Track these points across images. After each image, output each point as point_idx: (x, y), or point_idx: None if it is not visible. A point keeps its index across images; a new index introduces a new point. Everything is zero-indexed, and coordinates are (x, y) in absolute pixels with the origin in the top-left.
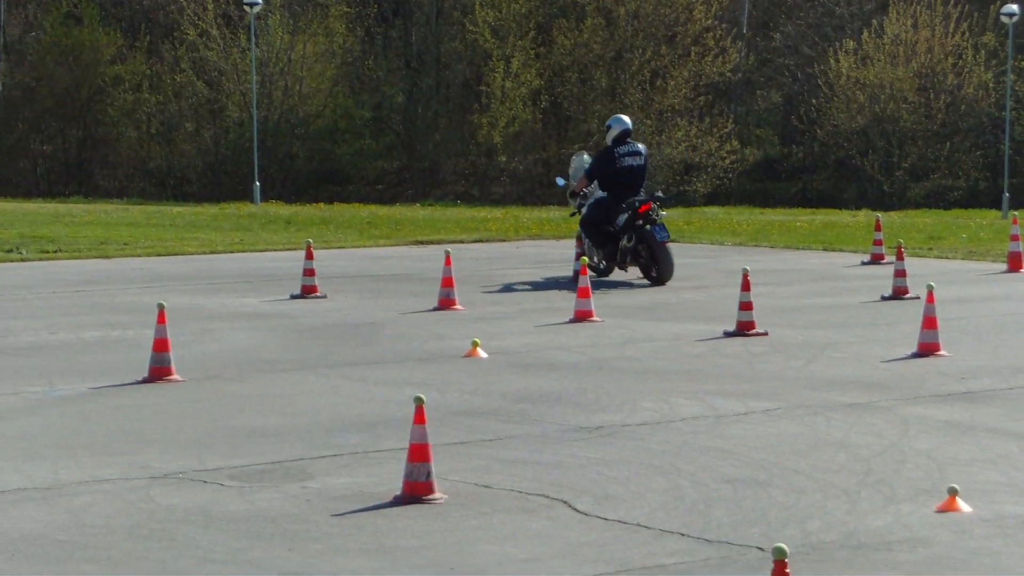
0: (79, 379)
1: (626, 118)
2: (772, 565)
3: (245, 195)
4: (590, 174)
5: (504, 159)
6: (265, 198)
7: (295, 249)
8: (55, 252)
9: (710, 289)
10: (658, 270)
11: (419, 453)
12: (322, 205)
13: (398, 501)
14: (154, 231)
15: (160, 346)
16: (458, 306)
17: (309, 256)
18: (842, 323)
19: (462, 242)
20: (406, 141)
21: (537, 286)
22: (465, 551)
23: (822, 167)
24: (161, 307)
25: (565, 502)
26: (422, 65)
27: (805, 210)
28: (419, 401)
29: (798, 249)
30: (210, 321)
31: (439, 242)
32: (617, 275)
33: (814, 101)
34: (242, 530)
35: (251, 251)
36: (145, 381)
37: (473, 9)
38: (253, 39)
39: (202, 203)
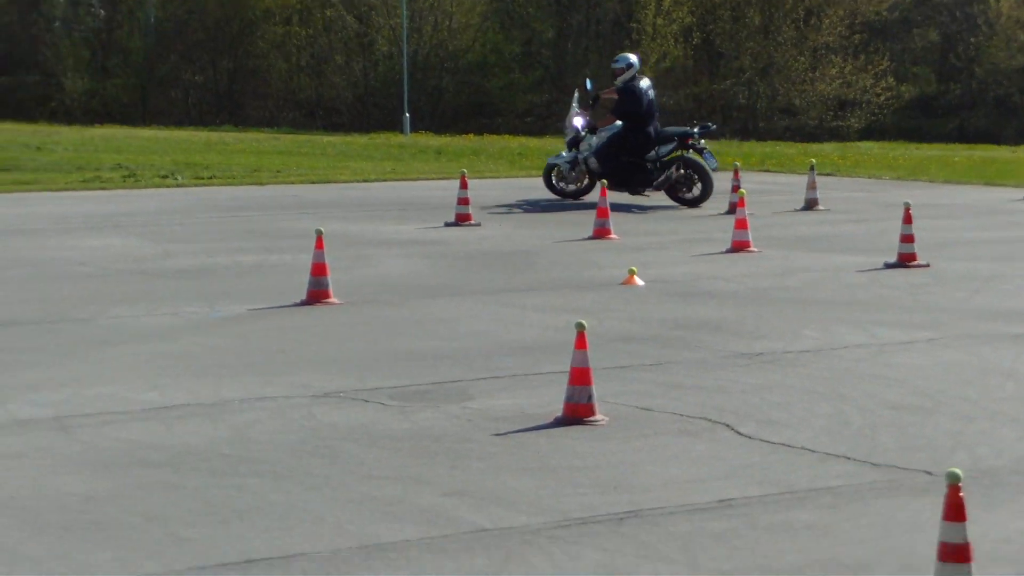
0: (238, 301)
1: (633, 56)
2: (946, 489)
3: (394, 126)
4: (629, 104)
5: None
6: (414, 130)
7: (447, 178)
8: (210, 178)
9: (869, 222)
10: (703, 191)
11: (580, 376)
12: (471, 136)
13: (559, 422)
14: (306, 159)
15: (318, 270)
16: (613, 235)
17: (463, 185)
18: (1007, 256)
19: None
20: (555, 75)
21: (686, 217)
22: (628, 472)
23: (980, 104)
24: (319, 232)
25: (728, 426)
26: (572, 2)
27: (963, 146)
28: (580, 327)
29: (958, 184)
30: (366, 247)
31: None
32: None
33: (972, 40)
34: (404, 448)
35: (403, 180)
36: (303, 304)
37: None
38: None
39: (351, 133)
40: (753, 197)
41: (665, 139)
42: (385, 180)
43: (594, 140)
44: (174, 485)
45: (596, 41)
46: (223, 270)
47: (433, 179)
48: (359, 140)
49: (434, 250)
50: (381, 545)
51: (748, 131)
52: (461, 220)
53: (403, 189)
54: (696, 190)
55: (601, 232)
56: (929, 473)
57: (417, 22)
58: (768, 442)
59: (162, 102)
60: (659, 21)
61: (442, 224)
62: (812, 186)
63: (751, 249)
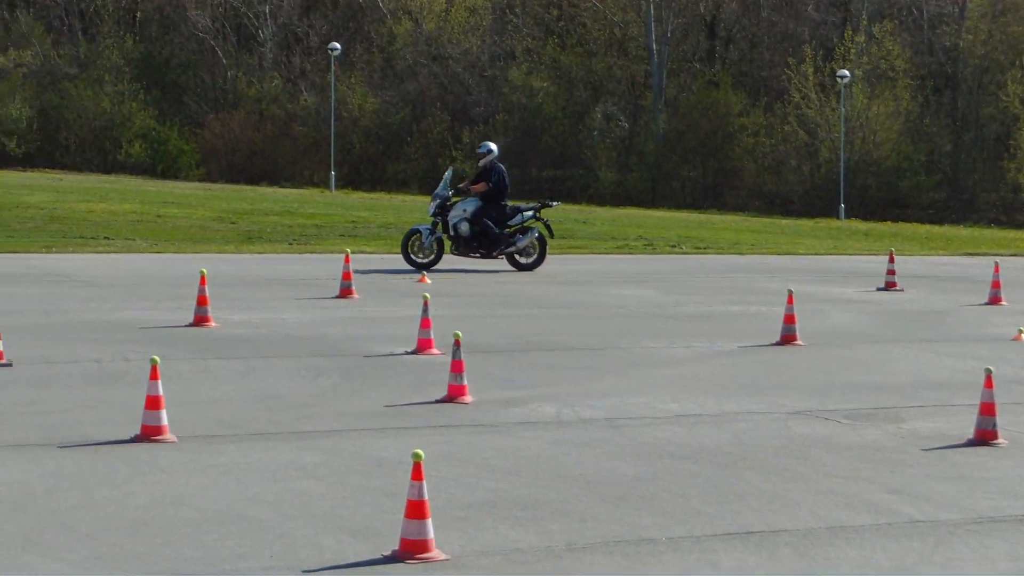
0: (729, 340)
1: (493, 144)
2: None
3: (833, 214)
4: (496, 182)
5: None
6: (847, 216)
7: (874, 254)
8: (704, 248)
9: None
10: (539, 258)
11: (988, 409)
12: (889, 223)
13: (970, 443)
14: (770, 237)
15: (789, 319)
16: (1003, 302)
17: (891, 260)
18: None
19: (999, 254)
20: (951, 179)
21: None
22: None
23: None
24: (790, 292)
25: None
26: (965, 124)
27: None
28: (988, 371)
29: None
30: (818, 303)
31: (984, 254)
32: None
33: None
34: (855, 455)
35: (841, 254)
36: (777, 344)
37: (1005, 84)
38: (842, 102)
39: (801, 218)
40: None
41: (523, 209)
42: (828, 254)
43: (467, 207)
44: (693, 473)
45: (982, 153)
46: (717, 316)
47: (864, 254)
48: (807, 223)
49: (869, 308)
50: (842, 527)
51: None
52: (889, 287)
53: (842, 261)
54: (535, 257)
55: (995, 300)
56: None
57: (850, 136)
58: None
59: (667, 190)
60: None
61: (874, 288)
62: None
63: None
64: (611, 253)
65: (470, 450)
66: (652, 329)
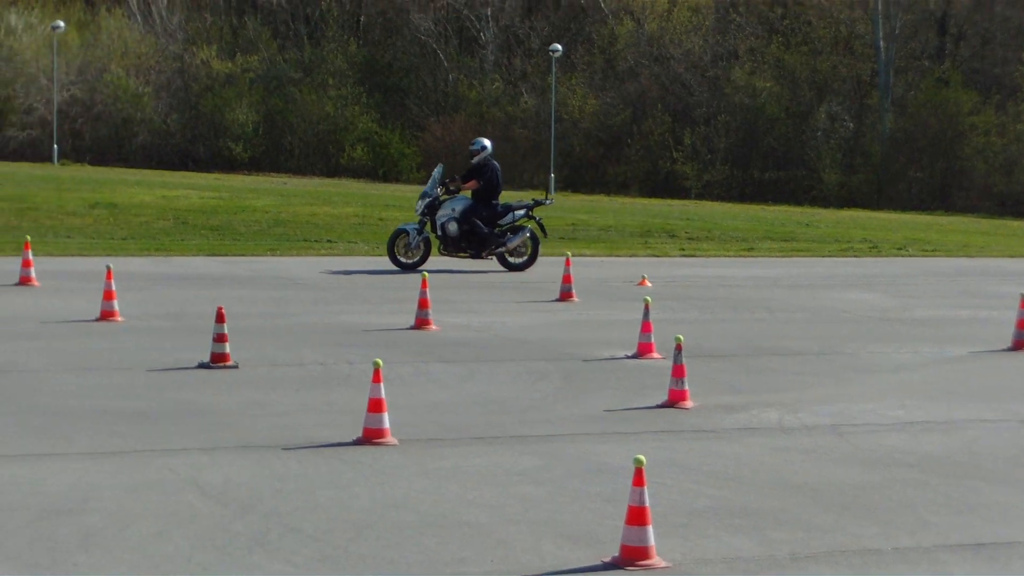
0: (958, 345)
1: (487, 140)
2: None
3: None
4: (488, 180)
5: None
6: None
7: None
8: (932, 251)
9: None
10: (531, 258)
11: None
12: None
13: None
14: (1000, 239)
15: (1021, 325)
16: None
17: None
18: None
19: None
20: None
21: None
22: None
23: None
24: (1023, 295)
25: None
26: None
27: None
28: None
29: None
30: None
31: None
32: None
33: None
34: None
35: None
36: (1008, 350)
37: None
38: None
39: None
40: None
41: (515, 207)
42: None
43: (455, 206)
44: (921, 482)
45: None
46: (946, 321)
47: None
48: None
49: None
50: None
51: None
52: None
53: None
54: (526, 258)
55: None
56: None
57: None
58: None
59: (893, 192)
60: None
61: None
62: None
63: None
64: (835, 256)
65: (691, 456)
66: (878, 334)
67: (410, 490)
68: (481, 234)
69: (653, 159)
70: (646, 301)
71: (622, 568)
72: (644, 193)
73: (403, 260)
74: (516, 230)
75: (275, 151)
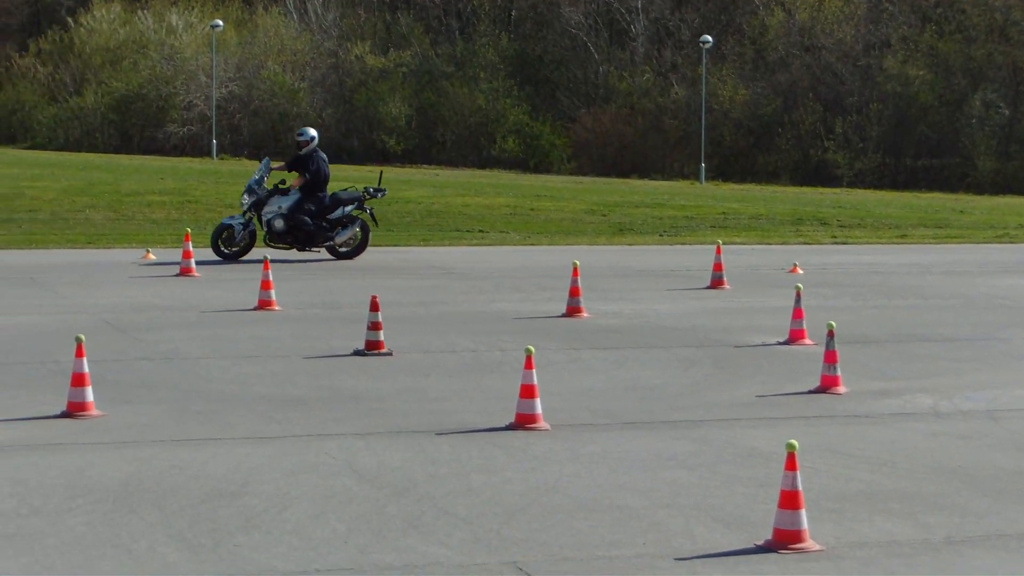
0: None
1: (313, 130)
2: None
3: None
4: (315, 172)
5: None
6: None
7: None
8: None
9: None
10: (361, 246)
11: None
12: None
13: None
14: None
15: None
16: None
17: None
18: None
19: None
20: None
21: None
22: None
23: None
24: None
25: None
26: None
27: None
28: None
29: None
30: None
31: None
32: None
33: None
34: None
35: None
36: None
37: None
38: None
39: None
40: None
41: (345, 201)
42: None
43: (282, 203)
44: None
45: None
46: None
47: None
48: None
49: None
50: None
51: None
52: None
53: None
54: (354, 247)
55: None
56: None
57: None
58: None
59: None
60: None
61: None
62: None
63: None
64: (990, 243)
65: (843, 441)
66: None
67: (562, 474)
68: (308, 230)
69: (804, 148)
70: (797, 288)
71: (775, 551)
72: (794, 182)
73: (225, 251)
74: (345, 224)
75: (427, 143)
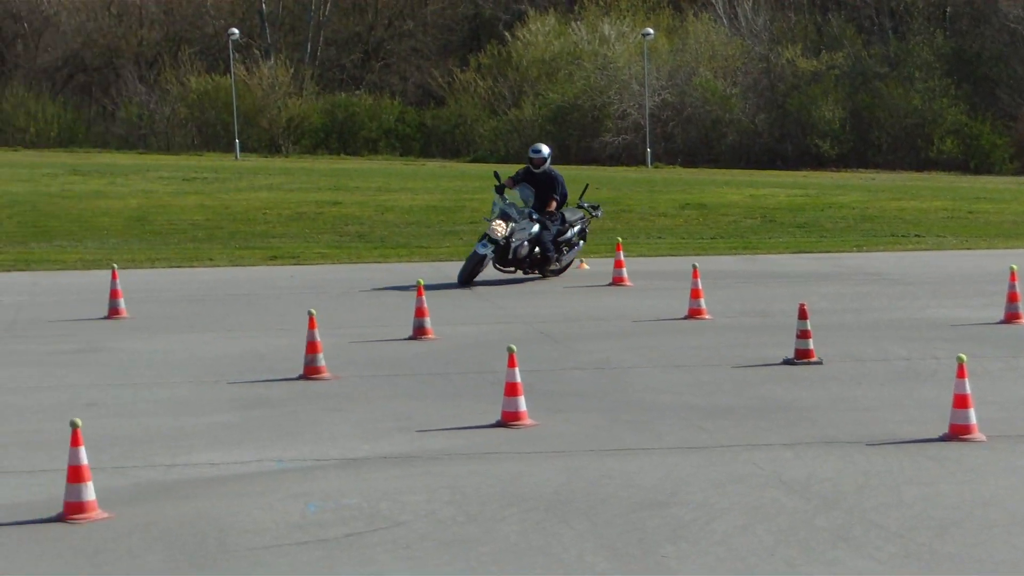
0: None
1: (545, 146)
2: None
3: None
4: (563, 194)
5: None
6: None
7: None
8: None
9: None
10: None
11: None
12: None
13: None
14: None
15: None
16: None
17: None
18: None
19: None
20: None
21: None
22: None
23: None
24: None
25: None
26: None
27: None
28: None
29: None
30: None
31: None
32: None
33: None
34: None
35: None
36: None
37: None
38: None
39: None
40: None
41: (572, 222)
42: None
43: (530, 227)
44: None
45: None
46: None
47: None
48: None
49: None
50: None
51: None
52: None
53: None
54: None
55: None
56: None
57: None
58: None
59: None
60: None
61: None
62: None
63: None
64: None
65: None
66: None
67: (998, 487)
68: (548, 254)
69: None
70: None
71: None
72: None
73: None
74: (572, 244)
75: (862, 147)
